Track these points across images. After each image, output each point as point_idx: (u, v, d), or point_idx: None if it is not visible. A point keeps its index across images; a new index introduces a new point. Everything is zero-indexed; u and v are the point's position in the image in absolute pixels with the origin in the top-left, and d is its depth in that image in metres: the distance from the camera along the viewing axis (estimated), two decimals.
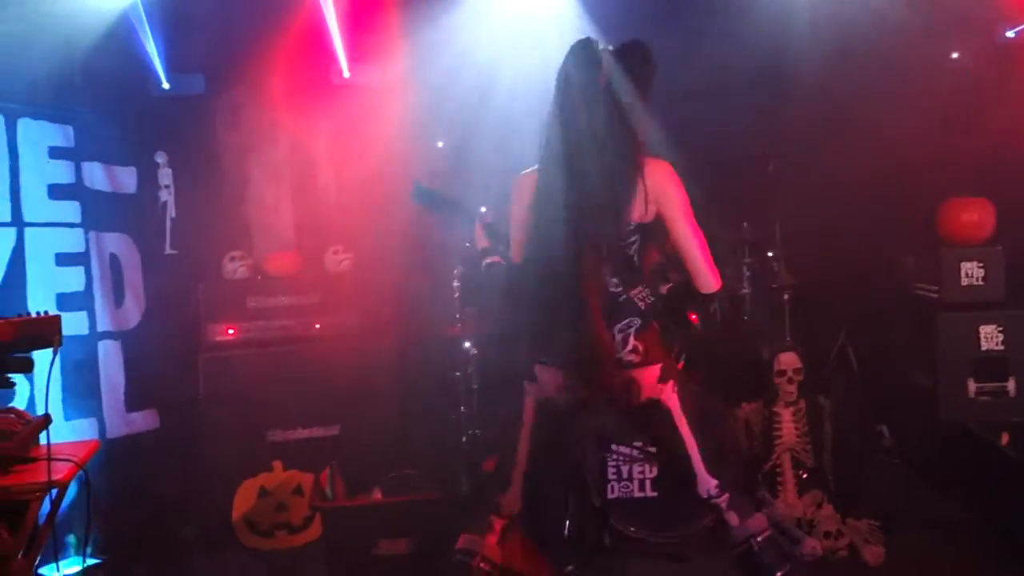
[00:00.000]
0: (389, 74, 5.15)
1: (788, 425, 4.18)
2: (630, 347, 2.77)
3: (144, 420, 4.36)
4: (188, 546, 4.24)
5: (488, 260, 3.04)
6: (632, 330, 2.77)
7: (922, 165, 5.29)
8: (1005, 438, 4.10)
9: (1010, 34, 5.45)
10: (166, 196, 4.65)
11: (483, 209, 3.18)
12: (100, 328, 4.22)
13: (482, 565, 2.87)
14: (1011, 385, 4.46)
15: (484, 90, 5.14)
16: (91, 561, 3.55)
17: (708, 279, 2.83)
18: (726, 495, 2.94)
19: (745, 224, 5.06)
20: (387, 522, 3.71)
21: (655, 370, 2.81)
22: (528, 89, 5.25)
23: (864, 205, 5.56)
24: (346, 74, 5.14)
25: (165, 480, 4.22)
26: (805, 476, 4.13)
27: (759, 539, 2.91)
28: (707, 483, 2.92)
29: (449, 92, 4.99)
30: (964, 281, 4.58)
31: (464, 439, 4.91)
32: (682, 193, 2.85)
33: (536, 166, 2.88)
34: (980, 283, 4.57)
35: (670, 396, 2.86)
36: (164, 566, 3.74)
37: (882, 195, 5.53)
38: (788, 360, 4.21)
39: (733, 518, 2.92)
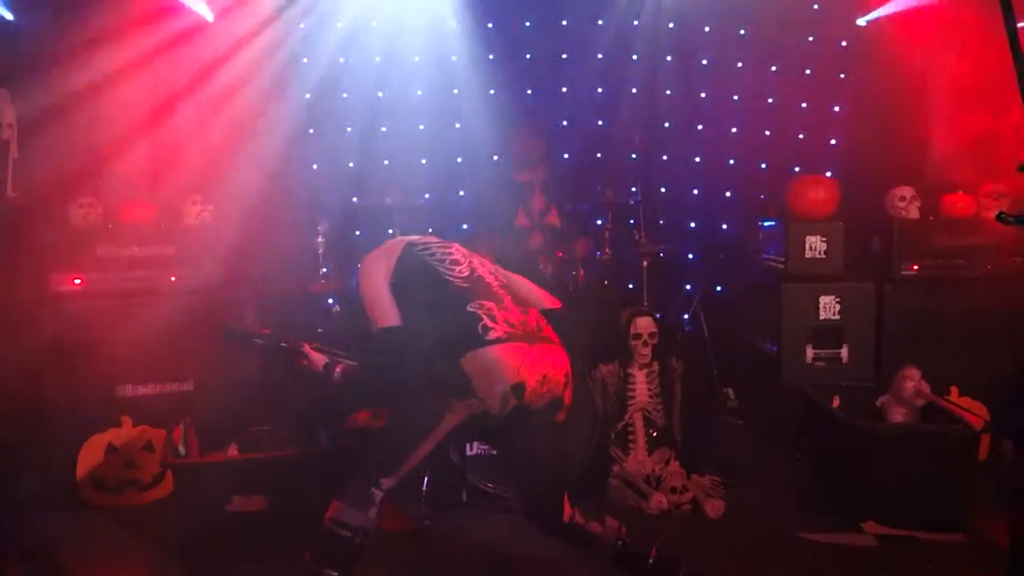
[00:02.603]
0: (256, 18, 4.98)
1: (641, 386, 4.35)
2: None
3: None
4: (29, 502, 4.05)
5: (338, 370, 3.10)
6: None
7: (777, 144, 5.58)
8: (836, 401, 4.41)
9: (862, 22, 5.78)
10: (8, 135, 4.35)
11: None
12: None
13: (363, 542, 2.84)
14: (844, 352, 4.79)
15: (353, 39, 5.07)
16: None
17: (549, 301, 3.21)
18: (577, 509, 3.03)
19: (608, 192, 5.20)
20: (242, 479, 3.66)
21: None
22: (400, 31, 5.24)
23: (722, 179, 5.82)
24: (209, 17, 4.93)
25: (4, 434, 4.00)
26: (655, 435, 4.32)
27: (623, 534, 3.06)
28: (568, 510, 3.03)
29: (319, 39, 4.89)
30: (808, 254, 4.86)
31: (324, 397, 4.87)
32: None
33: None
34: (822, 256, 4.86)
35: None
36: (3, 522, 3.56)
37: (739, 170, 5.81)
38: (644, 324, 4.37)
39: (596, 527, 3.04)
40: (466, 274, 2.96)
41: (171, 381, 4.38)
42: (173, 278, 4.49)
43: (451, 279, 2.93)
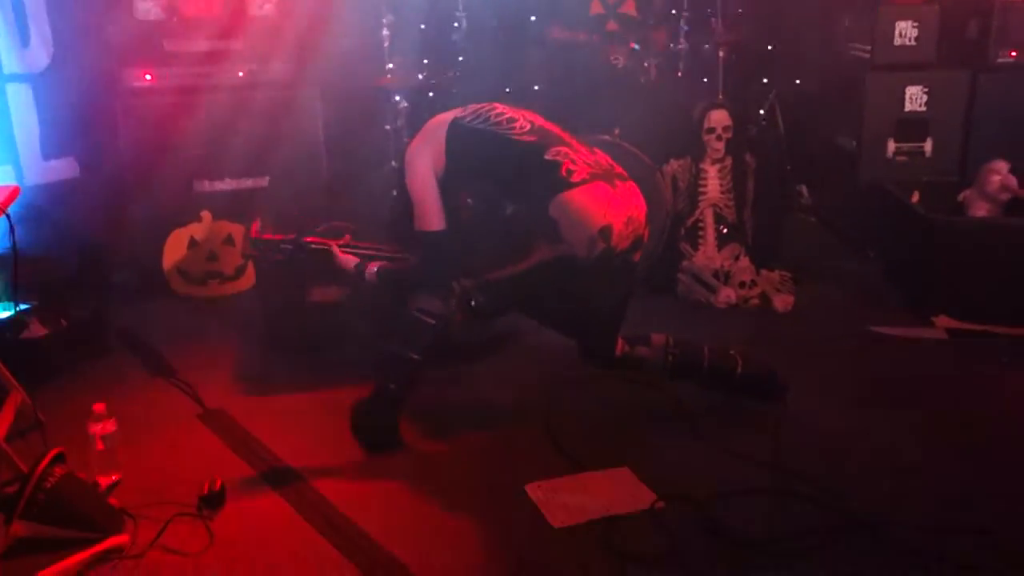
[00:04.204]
0: None
1: (713, 181, 4.27)
2: None
3: (63, 168, 4.22)
4: (121, 292, 4.28)
5: (373, 269, 3.02)
6: None
7: None
8: (916, 196, 4.28)
9: None
10: None
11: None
12: (6, 70, 3.98)
13: (444, 330, 2.92)
14: (928, 146, 4.59)
15: None
16: (22, 305, 3.56)
17: None
18: (623, 339, 3.03)
19: None
20: (319, 272, 3.76)
21: None
22: None
23: None
24: None
25: (91, 229, 4.16)
26: (725, 231, 4.28)
27: (671, 346, 3.05)
28: (619, 344, 3.03)
29: None
30: (897, 41, 4.56)
31: (394, 192, 4.92)
32: None
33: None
34: (912, 43, 4.56)
35: None
36: (98, 311, 3.77)
37: None
38: (718, 117, 4.24)
39: (643, 351, 3.04)
40: (528, 128, 2.87)
41: (246, 177, 4.46)
42: (241, 73, 4.46)
43: (517, 137, 2.84)
